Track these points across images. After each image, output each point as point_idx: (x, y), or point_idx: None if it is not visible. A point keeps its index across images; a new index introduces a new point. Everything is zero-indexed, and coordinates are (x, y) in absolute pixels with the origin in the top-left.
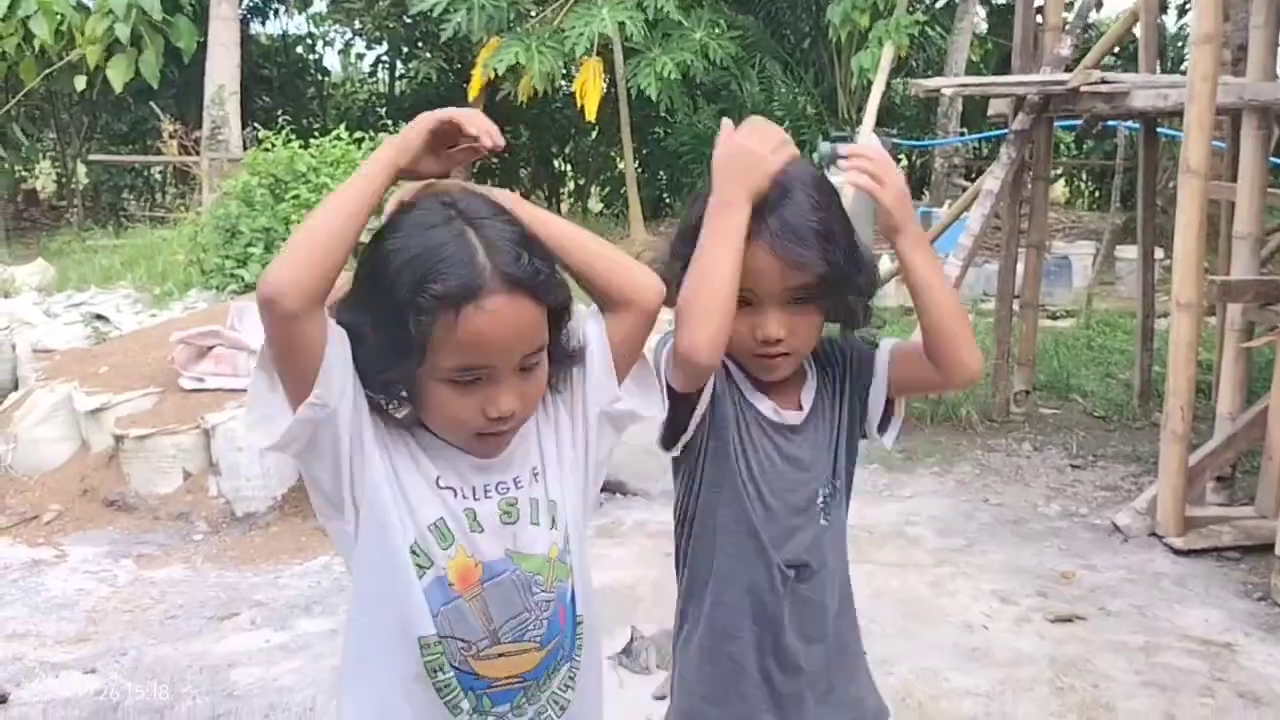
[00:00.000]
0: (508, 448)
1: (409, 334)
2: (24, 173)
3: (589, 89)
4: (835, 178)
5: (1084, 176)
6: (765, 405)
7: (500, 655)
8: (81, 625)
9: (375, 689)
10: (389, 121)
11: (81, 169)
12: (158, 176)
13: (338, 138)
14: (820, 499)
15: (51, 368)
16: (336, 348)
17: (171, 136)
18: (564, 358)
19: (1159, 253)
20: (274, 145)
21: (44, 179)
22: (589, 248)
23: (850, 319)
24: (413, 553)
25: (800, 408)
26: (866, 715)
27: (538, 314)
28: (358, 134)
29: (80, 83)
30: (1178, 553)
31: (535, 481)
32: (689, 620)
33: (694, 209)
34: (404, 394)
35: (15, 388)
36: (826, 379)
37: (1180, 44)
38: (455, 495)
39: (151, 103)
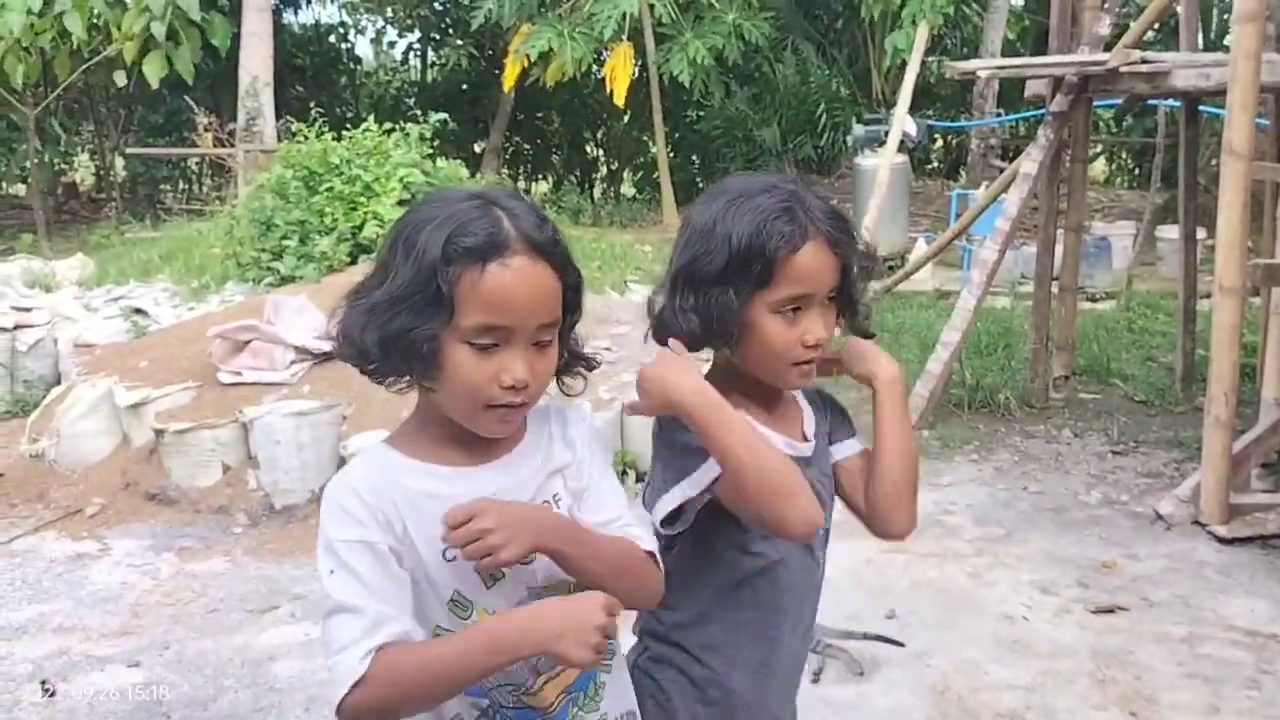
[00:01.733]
0: (521, 464)
1: (438, 290)
2: (63, 166)
3: (618, 74)
4: (868, 159)
5: (1124, 154)
6: (778, 440)
7: (546, 683)
8: (125, 619)
9: None
10: (418, 111)
11: (119, 162)
12: (195, 169)
13: (369, 129)
14: (822, 536)
15: (92, 362)
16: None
17: (206, 129)
18: (575, 356)
19: (1201, 232)
20: (307, 138)
21: (83, 172)
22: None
23: (856, 315)
24: (435, 633)
25: (806, 439)
26: None
27: (555, 284)
28: (387, 125)
29: (120, 78)
30: (1222, 541)
31: (556, 508)
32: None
33: (686, 251)
34: (423, 368)
35: (58, 382)
36: (818, 414)
37: (1225, 15)
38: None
39: (186, 96)
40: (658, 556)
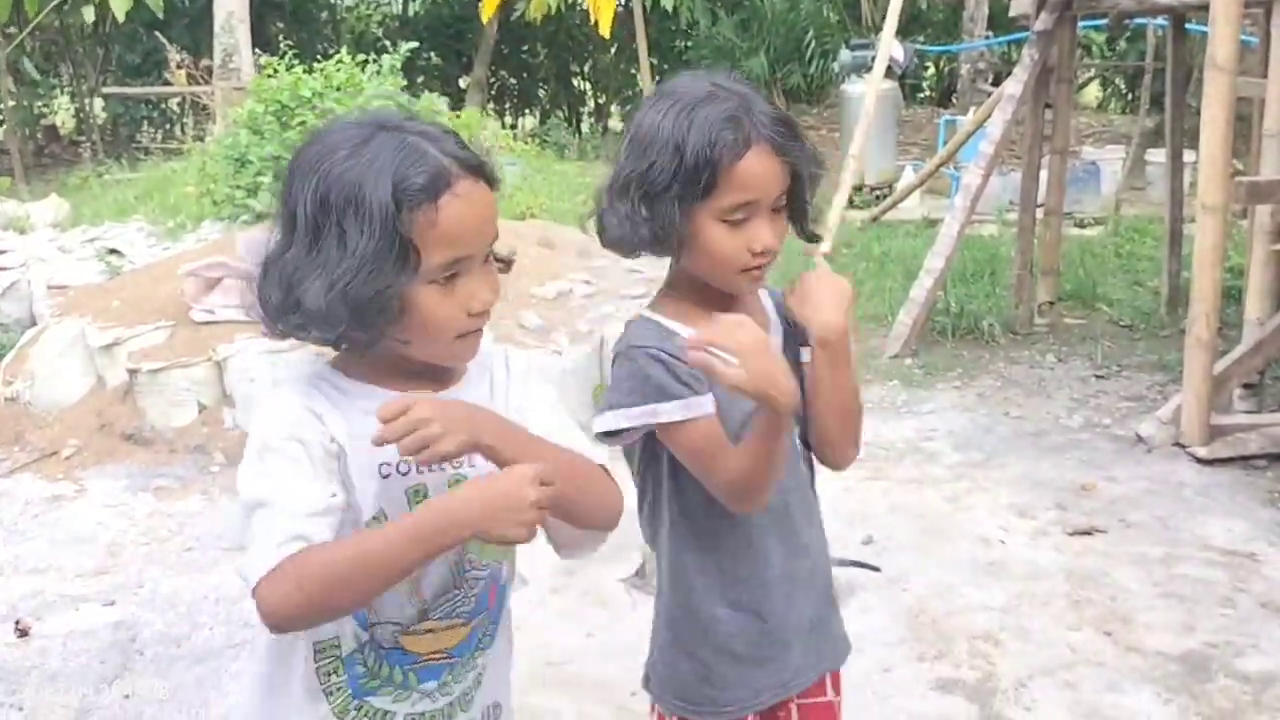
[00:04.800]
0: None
1: (401, 240)
2: (43, 109)
3: (603, 2)
4: (855, 86)
5: (1116, 79)
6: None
7: (429, 631)
8: (100, 559)
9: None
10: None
11: (99, 103)
12: (175, 109)
13: (341, 61)
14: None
15: (65, 304)
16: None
17: (179, 67)
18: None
19: (1190, 155)
20: (277, 70)
21: (63, 115)
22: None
23: (805, 221)
24: None
25: None
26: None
27: (492, 196)
28: (360, 57)
29: (89, 14)
30: (1202, 462)
31: (486, 460)
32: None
33: (630, 160)
34: (389, 322)
35: (33, 325)
36: (783, 315)
37: None
38: (408, 472)
39: (161, 34)
40: (609, 471)
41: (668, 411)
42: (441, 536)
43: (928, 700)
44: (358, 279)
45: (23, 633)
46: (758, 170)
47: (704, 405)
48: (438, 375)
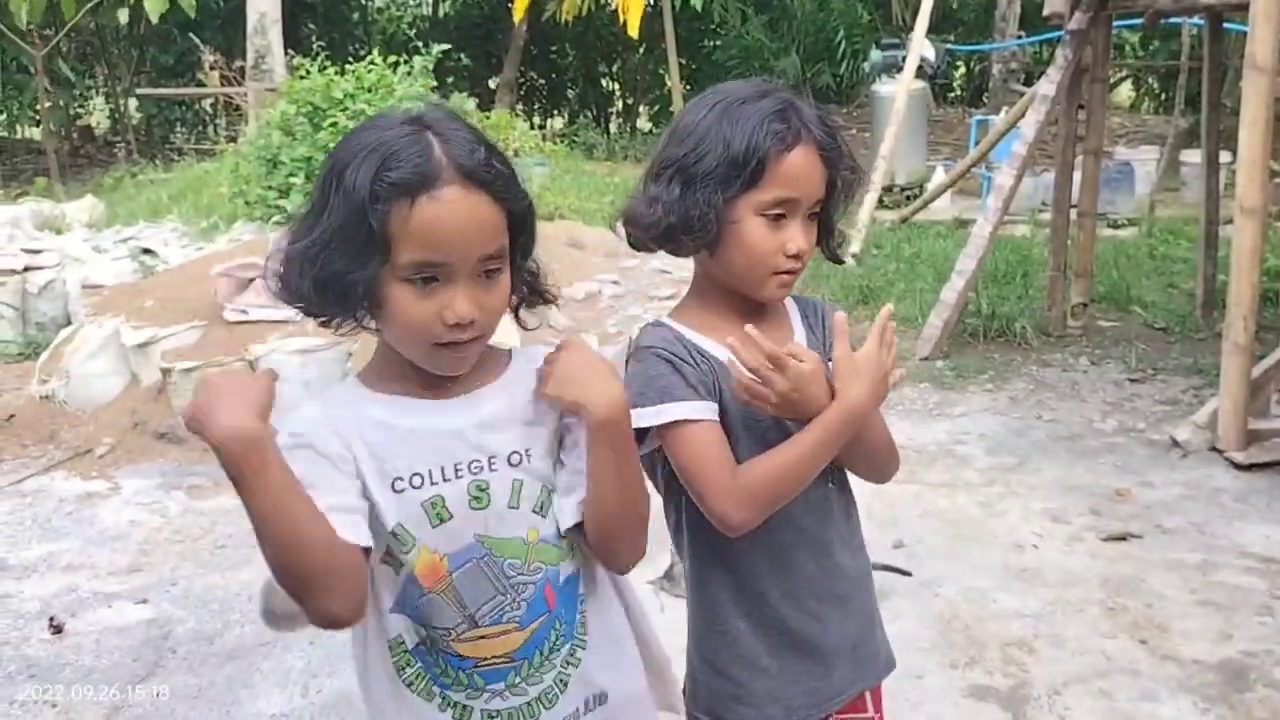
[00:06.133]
0: (481, 411)
1: (371, 229)
2: (78, 109)
3: (631, 3)
4: (886, 86)
5: (1150, 79)
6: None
7: (480, 638)
8: (133, 556)
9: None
10: (419, 44)
11: (133, 104)
12: (209, 110)
13: (373, 62)
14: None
15: (100, 303)
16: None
17: (212, 68)
18: (532, 288)
19: (1226, 156)
20: (309, 72)
21: (98, 115)
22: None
23: (831, 238)
24: (384, 563)
25: None
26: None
27: (495, 214)
28: (392, 58)
29: (124, 15)
30: (1239, 468)
31: (514, 467)
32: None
33: (672, 147)
34: (365, 310)
35: (68, 324)
36: (812, 326)
37: None
38: (422, 485)
39: (195, 36)
40: None
41: (672, 411)
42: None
43: (960, 708)
44: (321, 255)
45: (57, 630)
46: (803, 168)
47: (707, 410)
48: (457, 382)
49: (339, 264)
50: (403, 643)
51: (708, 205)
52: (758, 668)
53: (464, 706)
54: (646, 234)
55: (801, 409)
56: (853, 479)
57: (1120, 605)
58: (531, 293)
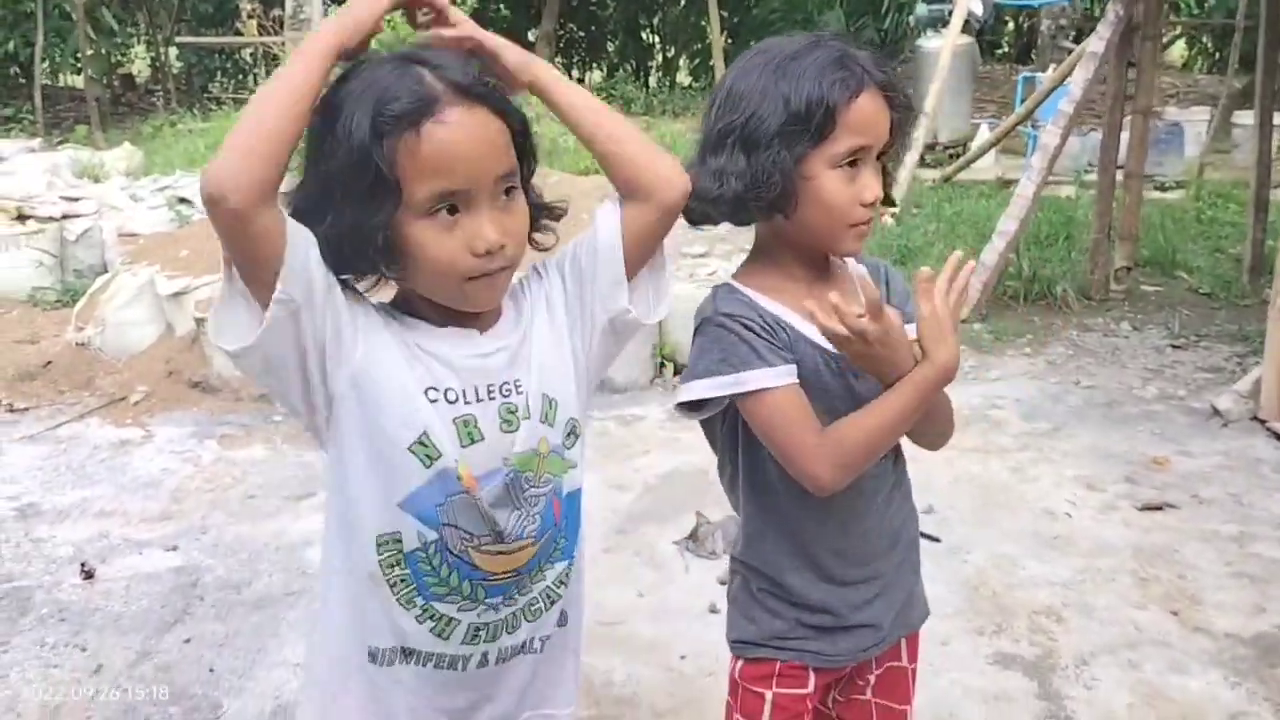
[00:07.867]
0: (502, 330)
1: (379, 171)
2: (120, 58)
3: None
4: (932, 41)
5: (1204, 38)
6: (817, 335)
7: (500, 552)
8: (165, 504)
9: (348, 590)
10: None
11: (173, 53)
12: (248, 59)
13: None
14: None
15: (135, 252)
16: (298, 240)
17: (250, 16)
18: (538, 207)
19: (1279, 118)
20: None
21: (140, 64)
22: (612, 127)
23: (890, 183)
24: (411, 451)
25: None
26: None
27: (501, 129)
28: None
29: None
30: None
31: (533, 379)
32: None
33: (727, 114)
34: (385, 261)
35: (104, 271)
36: (877, 287)
37: None
38: (456, 401)
39: None
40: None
41: (755, 380)
42: (328, 46)
43: (985, 675)
44: (328, 207)
45: (88, 575)
46: (871, 112)
47: (789, 375)
48: (473, 316)
49: (351, 216)
50: (399, 541)
51: (777, 167)
52: (808, 622)
53: (449, 619)
54: (715, 207)
55: (884, 366)
56: None
57: (1153, 576)
58: (538, 210)
